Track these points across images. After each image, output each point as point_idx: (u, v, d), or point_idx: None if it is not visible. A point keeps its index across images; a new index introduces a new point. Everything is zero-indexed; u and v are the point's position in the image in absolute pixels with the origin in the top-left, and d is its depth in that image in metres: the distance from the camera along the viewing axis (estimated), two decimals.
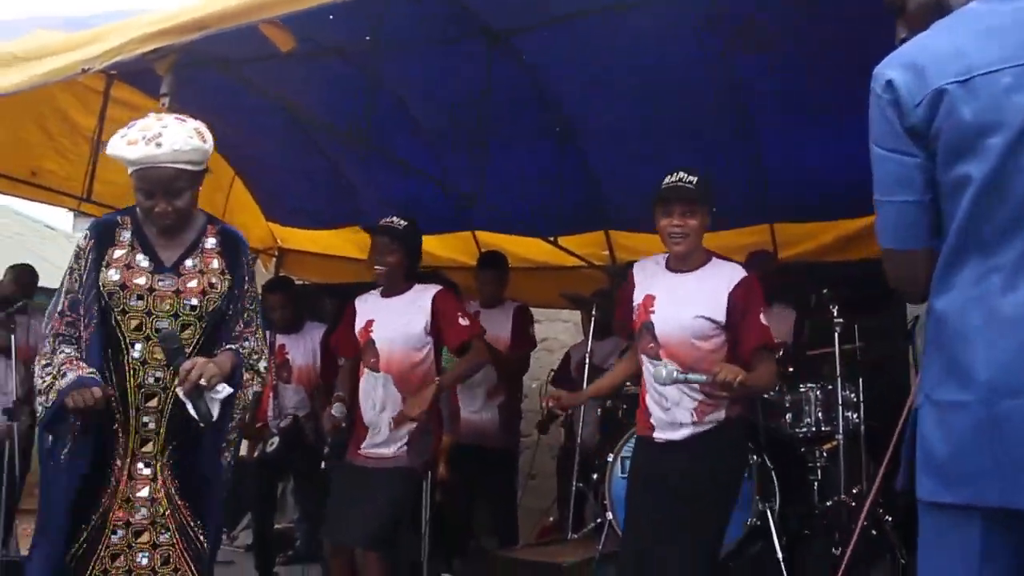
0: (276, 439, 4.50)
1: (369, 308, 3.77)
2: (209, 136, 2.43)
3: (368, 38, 3.83)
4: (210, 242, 2.52)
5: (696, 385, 2.88)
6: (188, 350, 2.43)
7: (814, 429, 3.97)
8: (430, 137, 5.00)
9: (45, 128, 5.00)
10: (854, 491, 3.94)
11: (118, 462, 2.43)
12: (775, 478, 3.63)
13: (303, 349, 4.85)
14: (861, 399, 4.06)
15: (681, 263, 3.03)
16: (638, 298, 3.07)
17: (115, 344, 2.41)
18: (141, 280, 2.42)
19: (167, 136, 2.30)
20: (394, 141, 4.70)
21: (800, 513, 3.87)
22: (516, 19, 3.98)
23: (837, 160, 4.20)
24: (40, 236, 13.76)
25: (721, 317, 2.91)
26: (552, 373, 5.33)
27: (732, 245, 5.13)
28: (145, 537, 2.42)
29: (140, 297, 2.41)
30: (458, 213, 5.48)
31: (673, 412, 2.95)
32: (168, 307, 2.43)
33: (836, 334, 3.98)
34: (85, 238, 2.46)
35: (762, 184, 4.77)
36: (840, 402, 3.92)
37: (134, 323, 2.41)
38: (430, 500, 3.97)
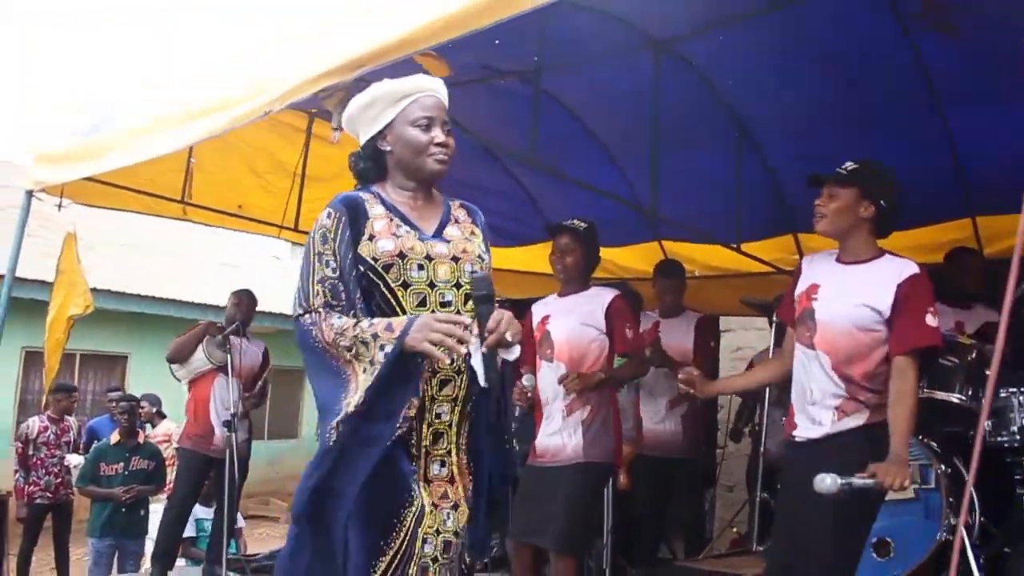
0: None
1: (545, 307, 4.06)
2: None
3: (536, 59, 3.95)
4: (461, 213, 2.34)
5: (840, 381, 2.81)
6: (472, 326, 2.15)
7: (1019, 438, 3.65)
8: (607, 150, 5.06)
9: (252, 166, 5.50)
10: None
11: (412, 464, 2.15)
12: (973, 490, 3.38)
13: None
14: None
15: (850, 255, 2.94)
16: (802, 287, 3.01)
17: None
18: (417, 246, 2.18)
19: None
20: (572, 157, 4.78)
21: (1005, 529, 3.58)
22: (679, 27, 3.97)
23: None
24: (270, 266, 14.99)
25: (886, 310, 2.78)
26: None
27: (931, 242, 4.84)
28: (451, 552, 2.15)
29: (421, 267, 2.16)
30: (642, 224, 5.50)
31: (814, 408, 2.86)
32: (448, 275, 2.19)
33: None
34: (330, 216, 2.18)
35: (958, 174, 4.45)
36: None
37: (417, 298, 2.15)
38: (611, 508, 4.00)
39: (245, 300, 5.45)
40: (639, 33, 4.00)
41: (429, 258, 2.18)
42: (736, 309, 5.69)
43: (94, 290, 5.32)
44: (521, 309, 4.68)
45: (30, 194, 4.81)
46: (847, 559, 2.78)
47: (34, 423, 6.90)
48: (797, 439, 2.93)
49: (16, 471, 6.72)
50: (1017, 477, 3.67)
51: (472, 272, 2.19)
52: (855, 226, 2.91)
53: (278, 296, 13.44)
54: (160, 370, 5.59)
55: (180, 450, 5.31)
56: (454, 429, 2.21)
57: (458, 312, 2.16)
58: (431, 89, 2.26)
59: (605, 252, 6.28)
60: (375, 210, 2.21)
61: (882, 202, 2.91)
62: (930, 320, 2.77)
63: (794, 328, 3.03)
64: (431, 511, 2.11)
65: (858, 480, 2.58)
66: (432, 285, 2.17)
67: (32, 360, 10.50)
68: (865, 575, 3.15)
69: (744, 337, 6.55)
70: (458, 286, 2.20)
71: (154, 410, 7.53)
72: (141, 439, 6.57)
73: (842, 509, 2.69)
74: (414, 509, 2.09)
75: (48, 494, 6.62)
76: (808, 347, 2.90)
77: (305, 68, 2.94)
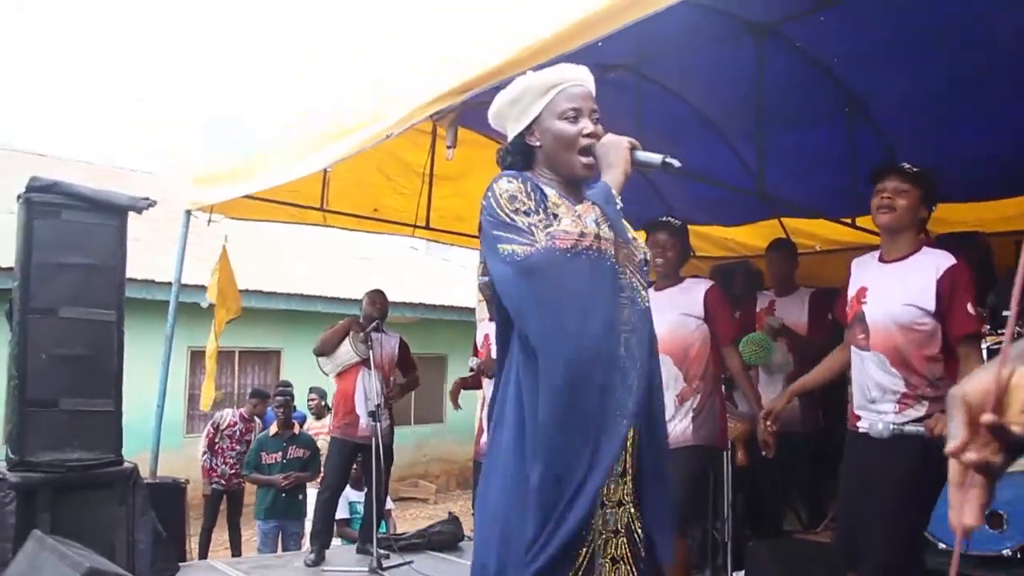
0: None
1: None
2: None
3: (637, 55, 4.11)
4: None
5: (899, 376, 2.92)
6: (641, 310, 2.10)
7: None
8: (719, 132, 5.15)
9: (384, 171, 5.86)
10: None
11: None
12: None
13: None
14: None
15: (891, 252, 3.05)
16: (852, 290, 3.13)
17: None
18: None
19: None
20: (684, 141, 4.90)
21: None
22: (779, 11, 4.04)
23: None
24: (409, 257, 15.57)
25: (931, 305, 2.88)
26: None
27: None
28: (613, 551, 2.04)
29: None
30: (760, 202, 5.56)
31: (877, 404, 2.95)
32: (632, 263, 2.10)
33: None
34: (511, 181, 2.05)
35: None
36: None
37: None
38: (731, 484, 4.14)
39: (379, 299, 5.82)
40: (737, 21, 4.10)
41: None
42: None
43: (246, 291, 5.83)
44: None
45: (188, 213, 5.34)
46: (909, 527, 2.90)
47: (227, 415, 7.63)
48: (860, 430, 3.04)
49: (204, 452, 7.45)
50: None
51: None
52: (911, 225, 3.01)
53: (416, 287, 14.02)
54: (313, 364, 6.04)
55: (331, 439, 5.73)
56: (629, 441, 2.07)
57: (633, 301, 2.09)
58: (577, 78, 2.16)
59: (725, 231, 6.41)
60: (548, 190, 2.11)
61: (932, 208, 3.02)
62: (970, 308, 2.88)
63: (848, 328, 3.15)
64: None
65: (910, 427, 2.80)
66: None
67: (196, 358, 11.33)
68: (977, 546, 3.22)
69: None
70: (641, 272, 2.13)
71: (323, 403, 8.04)
72: (297, 430, 7.12)
73: (903, 491, 2.83)
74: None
75: (223, 481, 7.29)
76: (863, 349, 3.02)
77: (420, 94, 3.22)
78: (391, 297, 6.15)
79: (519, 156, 2.18)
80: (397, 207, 6.18)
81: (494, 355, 4.91)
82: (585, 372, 1.91)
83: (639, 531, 2.09)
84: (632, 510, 2.08)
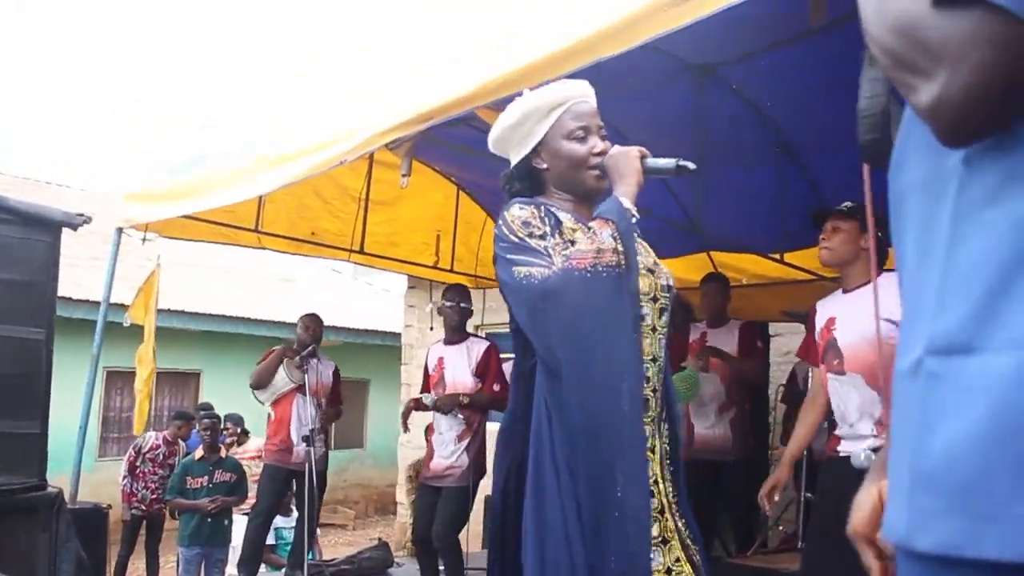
0: None
1: None
2: None
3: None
4: None
5: (876, 393, 3.03)
6: (663, 340, 2.06)
7: None
8: None
9: (321, 195, 5.85)
10: None
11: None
12: None
13: None
14: None
15: (849, 283, 3.23)
16: (820, 323, 3.28)
17: None
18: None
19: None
20: None
21: None
22: (718, 55, 4.20)
23: None
24: (331, 280, 15.45)
25: (898, 317, 3.01)
26: (781, 388, 5.44)
27: None
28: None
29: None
30: (690, 236, 5.72)
31: (856, 427, 3.08)
32: (646, 287, 2.04)
33: None
34: (523, 207, 2.00)
35: None
36: None
37: None
38: None
39: (312, 324, 5.81)
40: (680, 62, 4.25)
41: None
42: (779, 316, 5.90)
43: (166, 311, 5.71)
44: None
45: (120, 231, 5.23)
46: None
47: (150, 438, 7.39)
48: (841, 454, 3.16)
49: (124, 477, 7.22)
50: None
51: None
52: (856, 256, 3.18)
53: (339, 310, 13.91)
54: (231, 386, 6.02)
55: (264, 465, 5.67)
56: (657, 455, 2.00)
57: (653, 328, 2.03)
58: (581, 94, 2.10)
59: None
60: (562, 215, 2.03)
61: (879, 234, 3.17)
62: None
63: (820, 365, 3.30)
64: None
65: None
66: None
67: (112, 379, 11.03)
68: None
69: (793, 341, 6.71)
70: (655, 299, 2.05)
71: (239, 429, 7.90)
72: (223, 454, 6.99)
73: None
74: None
75: (143, 507, 7.09)
76: (839, 374, 3.16)
77: (377, 121, 3.25)
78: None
79: (526, 181, 2.11)
80: (333, 231, 6.17)
81: (449, 377, 4.98)
82: (613, 400, 1.84)
83: (689, 540, 2.03)
84: (677, 521, 2.03)
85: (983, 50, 0.73)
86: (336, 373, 5.95)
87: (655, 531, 1.94)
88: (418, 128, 3.05)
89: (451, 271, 6.80)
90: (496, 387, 5.01)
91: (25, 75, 37.93)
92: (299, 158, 3.76)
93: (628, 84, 4.36)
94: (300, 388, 5.44)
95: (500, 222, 1.99)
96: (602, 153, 2.04)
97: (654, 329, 2.04)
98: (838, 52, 3.98)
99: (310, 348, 5.52)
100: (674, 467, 2.06)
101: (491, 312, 7.37)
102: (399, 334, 10.40)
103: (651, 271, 2.09)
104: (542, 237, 1.94)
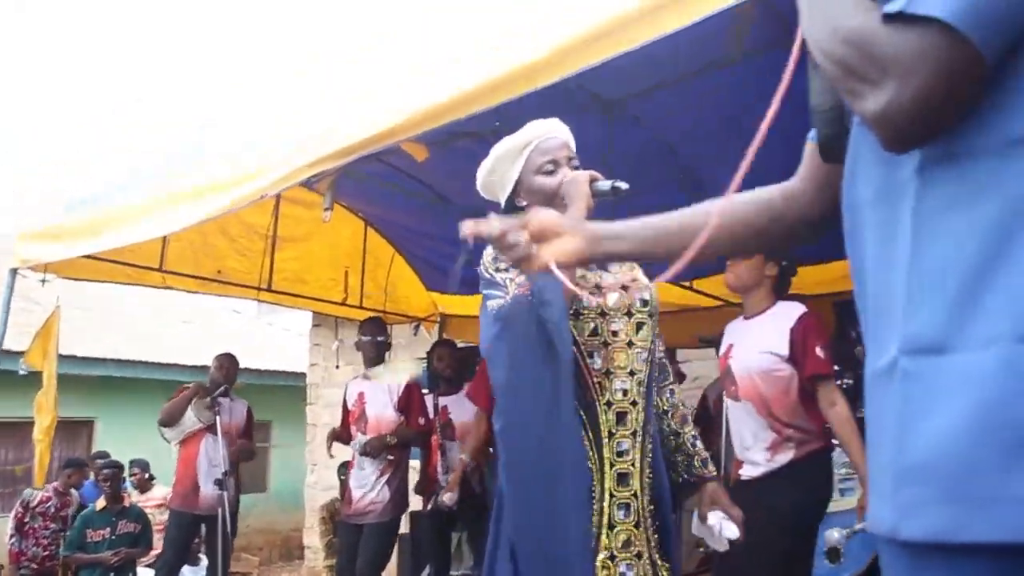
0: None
1: None
2: None
3: (498, 123, 4.27)
4: None
5: (766, 422, 3.21)
6: (645, 355, 2.10)
7: None
8: None
9: (226, 233, 5.73)
10: None
11: (595, 506, 2.01)
12: None
13: (464, 407, 5.28)
14: None
15: (749, 309, 3.41)
16: (723, 349, 3.42)
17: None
18: (588, 275, 2.13)
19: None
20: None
21: None
22: (626, 88, 4.32)
23: None
24: (231, 321, 15.06)
25: (785, 351, 3.21)
26: (694, 411, 5.56)
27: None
28: None
29: (591, 294, 2.08)
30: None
31: (751, 451, 3.21)
32: (619, 303, 2.11)
33: None
34: None
35: None
36: None
37: (588, 327, 2.06)
38: None
39: (227, 364, 5.67)
40: (589, 94, 4.34)
41: (599, 287, 2.12)
42: (689, 342, 6.04)
43: (59, 356, 5.43)
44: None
45: (15, 272, 4.99)
46: (784, 557, 3.13)
47: (38, 492, 7.00)
48: (743, 478, 3.31)
49: (12, 535, 6.84)
50: None
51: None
52: (759, 283, 3.33)
53: (240, 351, 13.53)
54: (127, 433, 5.83)
55: (170, 511, 5.46)
56: (638, 468, 2.05)
57: (630, 343, 2.09)
58: (547, 131, 2.23)
59: None
60: None
61: (784, 262, 3.36)
62: (819, 352, 3.20)
63: (722, 382, 3.48)
64: (605, 563, 1.98)
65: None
66: (603, 314, 2.09)
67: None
68: None
69: (702, 367, 6.88)
70: (630, 314, 2.11)
71: (146, 475, 7.60)
72: (127, 503, 6.70)
73: (783, 546, 3.06)
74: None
75: (35, 565, 6.72)
76: (735, 399, 3.31)
77: (296, 156, 3.21)
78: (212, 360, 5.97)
79: None
80: (241, 269, 6.04)
81: (371, 411, 4.92)
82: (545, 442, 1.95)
83: (658, 556, 2.07)
84: (650, 532, 2.07)
85: (932, 64, 0.81)
86: (249, 412, 5.80)
87: (627, 541, 2.00)
88: (342, 161, 3.03)
89: (360, 307, 6.73)
90: (421, 421, 4.98)
91: (25, 75, 36.91)
92: (206, 194, 3.68)
93: (539, 115, 4.45)
94: (209, 428, 5.29)
95: (480, 260, 2.12)
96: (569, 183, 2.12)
97: (630, 344, 2.10)
98: (742, 83, 4.19)
99: (222, 388, 5.38)
100: (654, 480, 2.11)
101: (399, 348, 7.34)
102: (302, 374, 10.20)
103: (625, 287, 2.16)
104: (506, 270, 2.05)
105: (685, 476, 2.30)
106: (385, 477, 4.92)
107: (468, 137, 4.61)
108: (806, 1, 0.99)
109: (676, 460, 2.30)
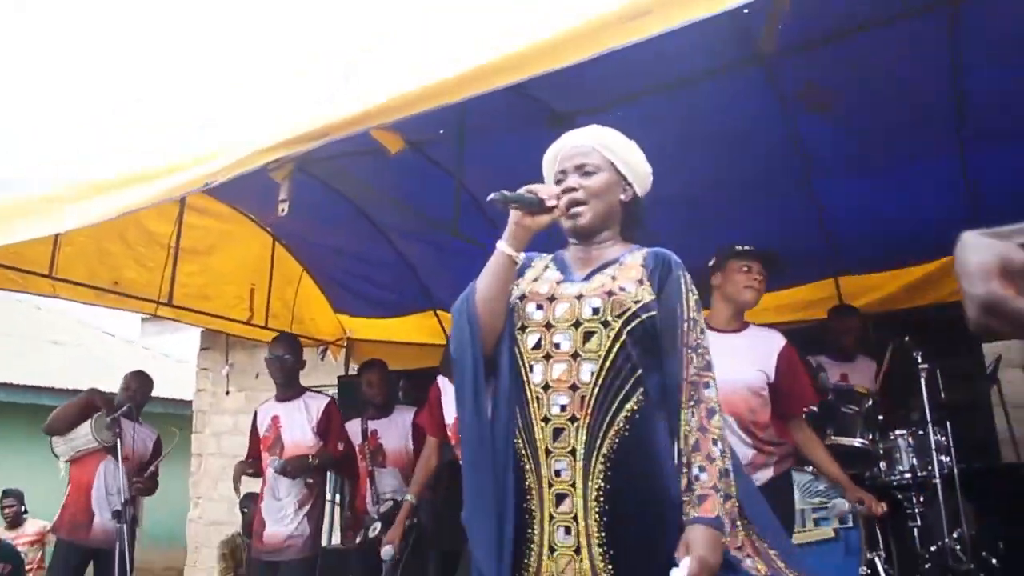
0: (378, 524, 4.54)
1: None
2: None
3: (442, 131, 4.05)
4: (632, 257, 2.12)
5: (747, 438, 3.19)
6: (594, 367, 1.97)
7: (909, 476, 4.01)
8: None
9: (125, 239, 5.27)
10: (955, 535, 3.95)
11: (535, 528, 1.95)
12: (881, 526, 3.74)
13: (395, 432, 4.96)
14: (951, 443, 4.08)
15: (727, 323, 3.34)
16: None
17: (515, 373, 2.03)
18: (543, 289, 2.10)
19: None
20: (472, 224, 4.85)
21: (905, 560, 3.94)
22: (581, 103, 4.17)
23: (901, 211, 4.33)
24: (104, 343, 14.11)
25: (772, 374, 3.24)
26: None
27: (799, 301, 5.22)
28: None
29: (539, 307, 2.06)
30: None
31: None
32: (567, 314, 2.03)
33: (923, 380, 4.04)
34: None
35: (825, 238, 4.86)
36: (933, 447, 3.96)
37: (532, 339, 2.04)
38: None
39: (134, 384, 5.18)
40: (541, 107, 4.17)
41: (552, 298, 2.07)
42: None
43: None
44: (420, 380, 4.73)
45: None
46: None
47: None
48: None
49: None
50: (908, 511, 4.01)
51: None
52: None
53: (113, 375, 12.69)
54: None
55: (56, 541, 4.88)
56: (579, 490, 1.92)
57: (575, 355, 1.99)
58: (570, 139, 2.24)
59: None
60: (538, 262, 2.22)
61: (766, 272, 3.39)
62: (809, 384, 3.41)
63: None
64: None
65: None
66: (549, 326, 2.03)
67: None
68: None
69: None
70: (577, 324, 2.01)
71: (21, 508, 6.88)
72: None
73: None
74: None
75: None
76: None
77: (258, 138, 2.87)
78: (83, 386, 5.45)
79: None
80: (140, 280, 5.54)
81: (287, 436, 4.51)
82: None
83: None
84: (597, 559, 1.88)
85: None
86: (158, 442, 5.30)
87: (567, 565, 1.90)
88: (310, 145, 2.71)
89: (265, 327, 6.32)
90: (340, 446, 4.61)
91: (25, 75, 35.01)
92: (133, 184, 3.25)
93: (491, 127, 4.25)
94: (110, 451, 4.76)
95: None
96: (567, 190, 2.12)
97: (575, 355, 1.99)
98: (703, 104, 4.11)
99: (126, 407, 4.86)
100: (611, 505, 1.89)
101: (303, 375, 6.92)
102: (187, 401, 9.59)
103: (578, 297, 2.06)
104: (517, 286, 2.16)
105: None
106: (305, 508, 4.50)
107: (410, 146, 4.35)
108: None
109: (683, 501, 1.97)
